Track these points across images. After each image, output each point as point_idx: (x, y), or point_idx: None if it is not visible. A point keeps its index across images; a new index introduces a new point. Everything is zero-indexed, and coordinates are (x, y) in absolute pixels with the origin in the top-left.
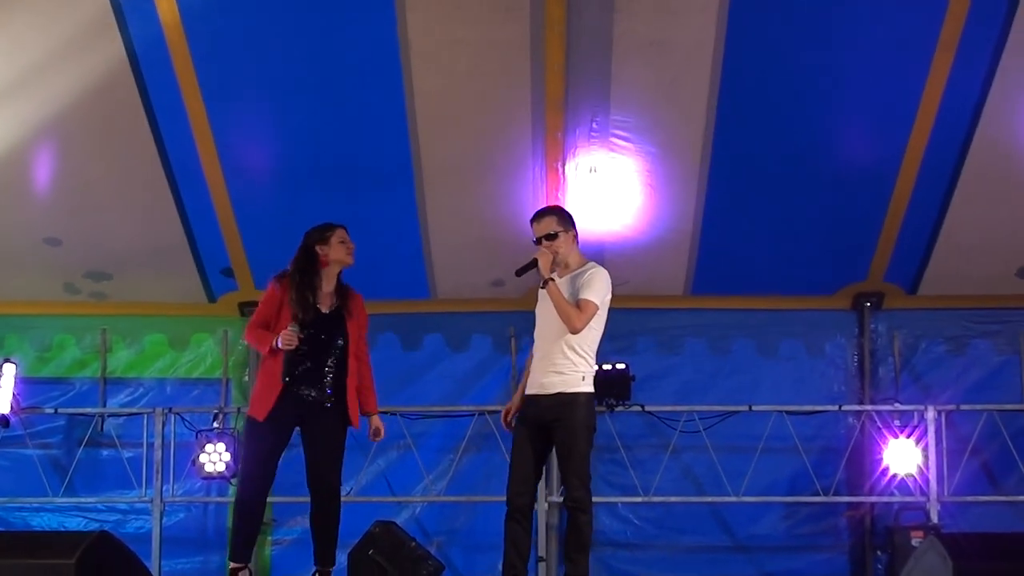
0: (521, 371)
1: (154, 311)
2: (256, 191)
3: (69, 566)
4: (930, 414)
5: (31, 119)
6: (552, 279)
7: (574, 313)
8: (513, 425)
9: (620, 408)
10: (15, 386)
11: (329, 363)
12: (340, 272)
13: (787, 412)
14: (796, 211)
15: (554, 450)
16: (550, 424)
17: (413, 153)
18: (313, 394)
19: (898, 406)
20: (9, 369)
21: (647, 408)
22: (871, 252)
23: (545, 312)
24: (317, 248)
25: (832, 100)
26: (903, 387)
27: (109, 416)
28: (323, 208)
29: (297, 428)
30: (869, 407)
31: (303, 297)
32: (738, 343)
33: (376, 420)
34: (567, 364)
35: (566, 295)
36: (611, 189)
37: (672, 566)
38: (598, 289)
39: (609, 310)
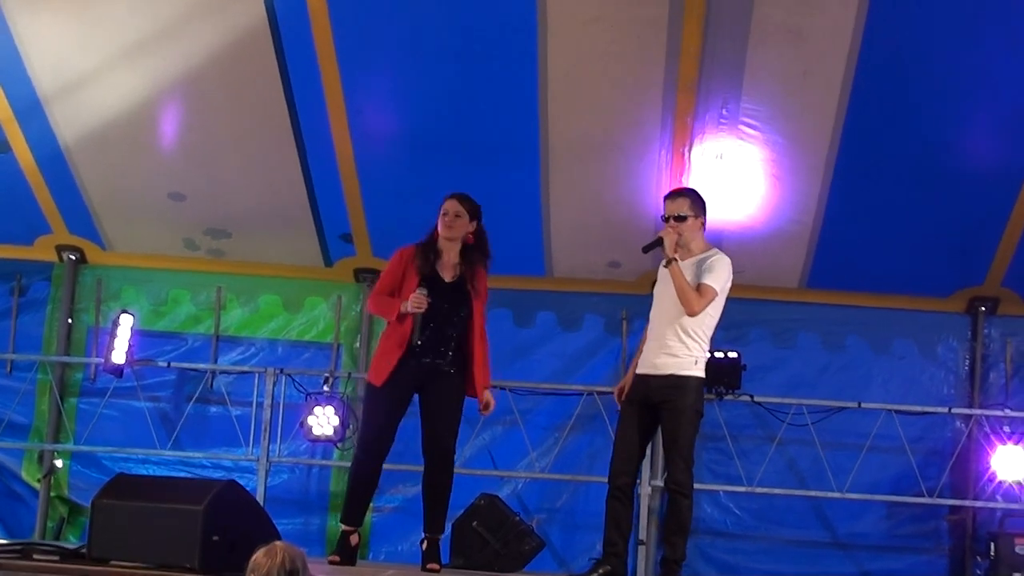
0: (632, 354)
1: (270, 272)
2: (382, 159)
3: (197, 512)
4: None
5: (166, 74)
6: (675, 259)
7: (693, 296)
8: (623, 400)
9: (729, 397)
10: (130, 337)
11: (451, 332)
12: (463, 245)
13: (896, 411)
14: (918, 211)
15: (660, 432)
16: (658, 405)
17: (541, 129)
18: (435, 361)
19: (1008, 412)
20: (126, 320)
21: (756, 399)
22: (990, 257)
23: (664, 293)
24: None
25: (966, 100)
26: (1013, 394)
27: (220, 373)
28: (447, 179)
29: (416, 397)
30: (979, 411)
31: (424, 262)
32: (850, 339)
33: (487, 394)
34: (680, 347)
35: (688, 279)
36: (735, 177)
37: (770, 558)
38: (719, 275)
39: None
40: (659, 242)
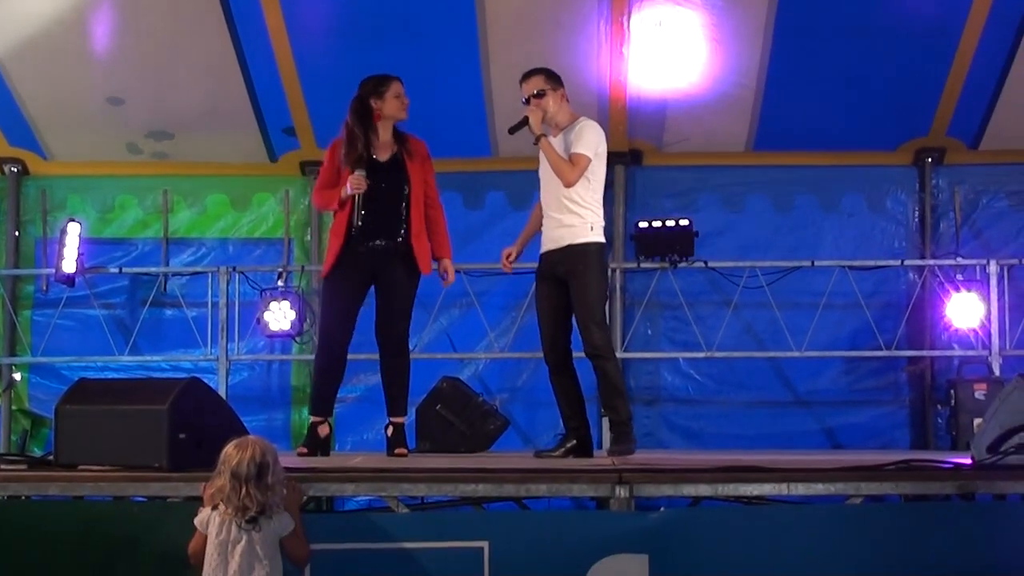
0: None
1: (215, 171)
2: (319, 48)
3: (162, 411)
4: (992, 268)
5: None
6: (544, 135)
7: (566, 167)
8: (511, 267)
9: (683, 264)
10: (79, 246)
11: (396, 210)
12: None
13: (849, 267)
14: (860, 66)
15: None
16: (563, 276)
17: (478, 8)
18: (383, 243)
19: (960, 260)
20: (73, 228)
21: (709, 264)
22: (934, 107)
23: (545, 171)
24: (371, 101)
25: None
26: (964, 242)
27: (173, 276)
28: (386, 65)
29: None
30: (931, 262)
31: (353, 146)
32: (800, 199)
33: (447, 263)
34: (572, 217)
35: (560, 151)
36: (676, 44)
37: (733, 421)
38: (588, 141)
39: (671, 167)
40: (525, 122)
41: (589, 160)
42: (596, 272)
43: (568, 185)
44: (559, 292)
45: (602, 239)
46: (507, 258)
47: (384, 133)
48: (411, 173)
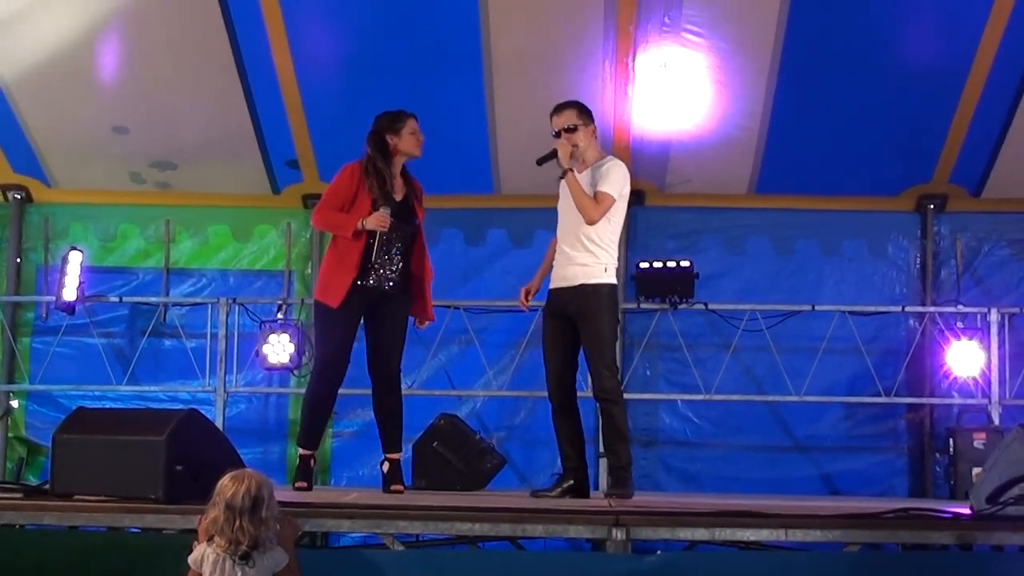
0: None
1: (218, 202)
2: (324, 82)
3: (159, 442)
4: (993, 316)
5: (103, 5)
6: (571, 170)
7: (590, 204)
8: (528, 304)
9: (683, 306)
10: (80, 274)
11: (401, 252)
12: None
13: (849, 312)
14: (864, 111)
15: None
16: (574, 316)
17: (483, 44)
18: (386, 283)
19: (961, 308)
20: (75, 257)
21: (710, 306)
22: (937, 154)
23: (566, 205)
24: (388, 137)
25: (905, 0)
26: (965, 290)
27: (173, 306)
28: (391, 100)
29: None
30: (932, 309)
31: (384, 183)
32: (801, 243)
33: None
34: (587, 256)
35: (585, 188)
36: (680, 85)
37: (731, 465)
38: (615, 181)
39: (673, 208)
40: (553, 154)
41: (614, 200)
42: (608, 314)
43: (590, 223)
44: (568, 330)
45: (615, 280)
46: (527, 295)
47: (396, 169)
48: (419, 215)
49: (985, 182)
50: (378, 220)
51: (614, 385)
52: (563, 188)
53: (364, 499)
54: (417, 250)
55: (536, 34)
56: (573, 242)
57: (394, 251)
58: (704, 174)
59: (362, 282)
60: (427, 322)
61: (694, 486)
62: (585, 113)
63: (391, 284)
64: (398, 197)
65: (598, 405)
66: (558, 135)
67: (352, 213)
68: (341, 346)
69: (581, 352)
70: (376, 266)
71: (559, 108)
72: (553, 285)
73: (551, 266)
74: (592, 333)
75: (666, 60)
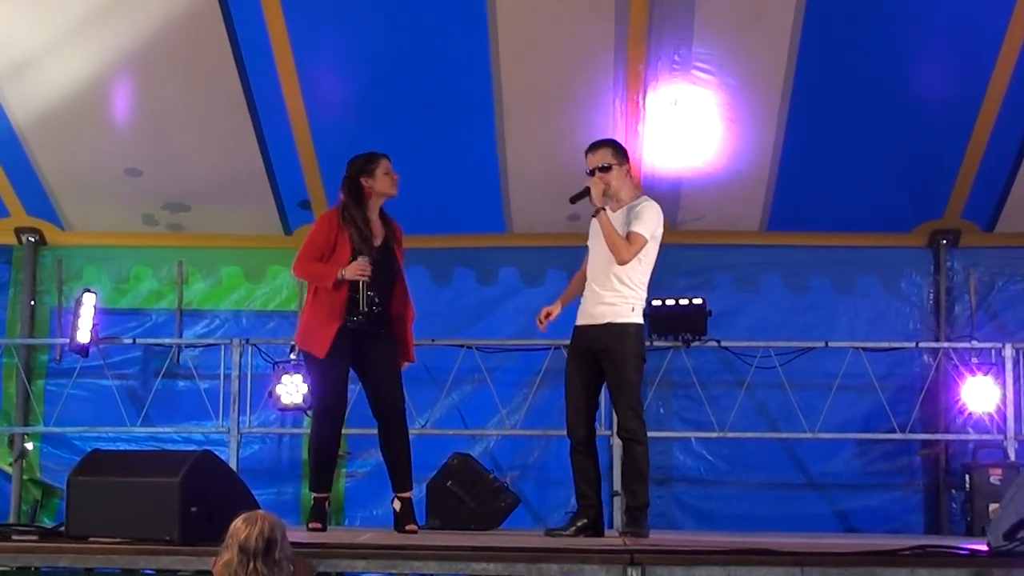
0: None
1: (230, 243)
2: (336, 123)
3: (174, 484)
4: (1008, 351)
5: (116, 49)
6: (604, 209)
7: (623, 244)
8: (546, 326)
9: (696, 343)
10: (93, 316)
11: (383, 295)
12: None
13: (863, 349)
14: (875, 147)
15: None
16: (599, 354)
17: (494, 84)
18: (373, 325)
19: (975, 344)
20: (88, 299)
21: (723, 344)
22: (949, 189)
23: (596, 244)
24: (362, 180)
25: (915, 36)
26: (979, 325)
27: (186, 347)
28: (402, 140)
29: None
30: (946, 344)
31: (361, 231)
32: (814, 280)
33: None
34: (615, 295)
35: (617, 227)
36: (691, 123)
37: (745, 503)
38: (648, 221)
39: (685, 245)
40: (586, 192)
41: (646, 241)
42: (634, 354)
43: (621, 263)
44: (592, 369)
45: (641, 320)
46: (546, 316)
47: (373, 212)
48: (399, 257)
49: (998, 217)
50: (357, 270)
51: (638, 425)
52: (594, 226)
53: (378, 539)
54: (399, 291)
55: (547, 73)
56: (603, 281)
57: (375, 295)
58: (716, 211)
59: (346, 327)
60: (406, 363)
61: (708, 524)
62: (620, 152)
63: (375, 326)
64: (377, 241)
65: (623, 444)
66: (592, 173)
67: (332, 263)
68: (335, 389)
69: (603, 392)
70: (359, 312)
71: (594, 146)
72: (580, 322)
73: (575, 295)
74: (618, 372)
75: (677, 98)
